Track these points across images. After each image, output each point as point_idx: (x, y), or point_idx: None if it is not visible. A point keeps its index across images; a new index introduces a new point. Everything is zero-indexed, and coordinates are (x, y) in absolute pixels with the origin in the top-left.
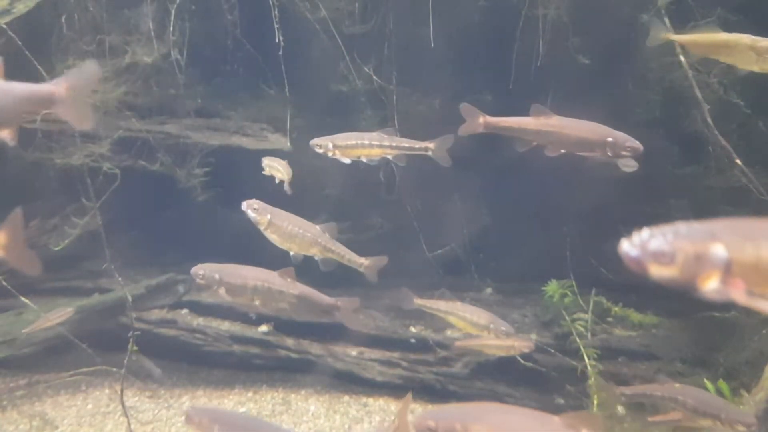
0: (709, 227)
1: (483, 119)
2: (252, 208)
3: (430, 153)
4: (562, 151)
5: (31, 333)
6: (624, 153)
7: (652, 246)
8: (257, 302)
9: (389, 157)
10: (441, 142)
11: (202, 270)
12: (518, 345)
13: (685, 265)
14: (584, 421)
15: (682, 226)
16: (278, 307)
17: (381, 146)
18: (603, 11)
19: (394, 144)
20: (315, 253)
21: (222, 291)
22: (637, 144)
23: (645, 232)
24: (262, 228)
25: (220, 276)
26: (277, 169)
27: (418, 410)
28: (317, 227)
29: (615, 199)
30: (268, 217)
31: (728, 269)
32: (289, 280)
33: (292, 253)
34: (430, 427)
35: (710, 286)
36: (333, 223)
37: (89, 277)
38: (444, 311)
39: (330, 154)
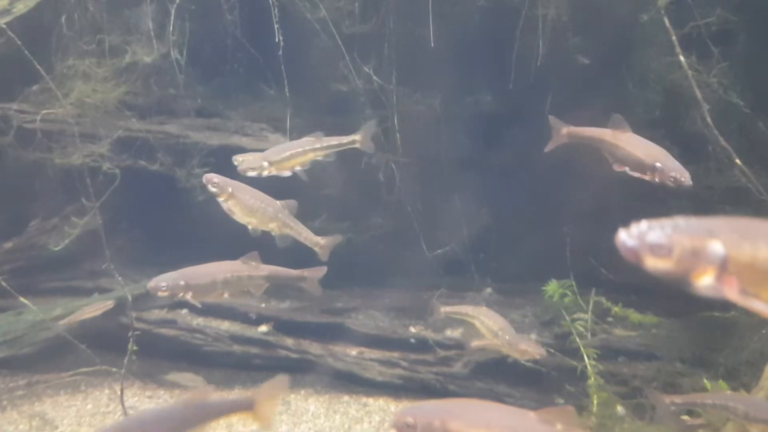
0: (708, 224)
1: (567, 129)
2: (212, 182)
3: (357, 145)
4: (626, 168)
5: (67, 325)
6: (668, 183)
7: (650, 237)
8: (226, 295)
9: (320, 158)
10: (365, 132)
11: (163, 282)
12: (530, 351)
13: (681, 259)
14: (559, 416)
15: (681, 221)
16: (248, 293)
17: (313, 150)
18: (603, 11)
19: (325, 144)
20: (273, 228)
21: (190, 295)
22: (684, 177)
23: (643, 224)
24: (222, 200)
25: (185, 281)
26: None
27: None
28: (278, 203)
29: (615, 198)
30: (230, 189)
31: (724, 267)
32: (253, 263)
33: (250, 227)
34: (409, 423)
35: (705, 282)
36: (293, 201)
37: (89, 277)
38: (471, 316)
39: (266, 173)
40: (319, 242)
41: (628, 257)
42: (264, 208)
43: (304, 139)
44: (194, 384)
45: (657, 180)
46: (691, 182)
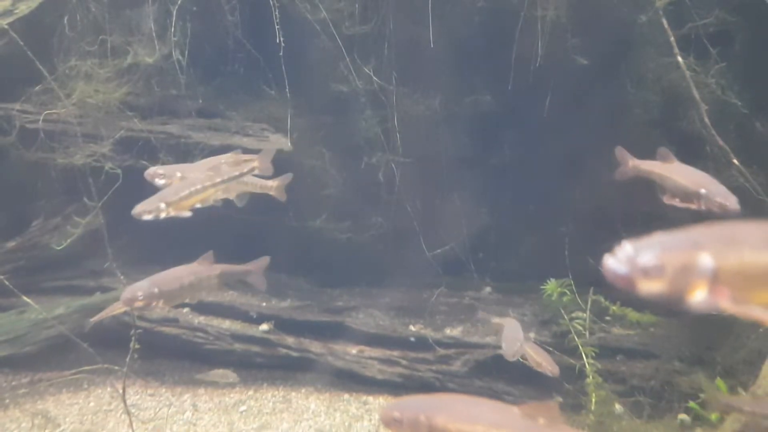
0: (692, 236)
1: (632, 162)
2: (158, 175)
3: (256, 171)
4: (677, 200)
5: (98, 321)
6: (715, 209)
7: (641, 261)
8: (187, 299)
9: (220, 192)
10: (263, 156)
11: (139, 291)
12: (544, 365)
13: (674, 278)
14: (542, 410)
15: (664, 237)
16: (204, 292)
17: (213, 185)
18: (601, 12)
19: (225, 178)
20: (233, 192)
21: (162, 303)
22: (730, 202)
23: (628, 247)
24: None
25: (159, 288)
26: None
27: None
28: (224, 166)
29: (613, 198)
30: (179, 175)
31: (715, 278)
32: (207, 263)
33: (212, 201)
34: (396, 418)
35: (698, 297)
36: (230, 155)
37: (91, 276)
38: (500, 325)
39: (164, 215)
40: (272, 186)
41: (620, 284)
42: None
43: (203, 175)
44: (228, 381)
45: (704, 207)
46: (738, 207)
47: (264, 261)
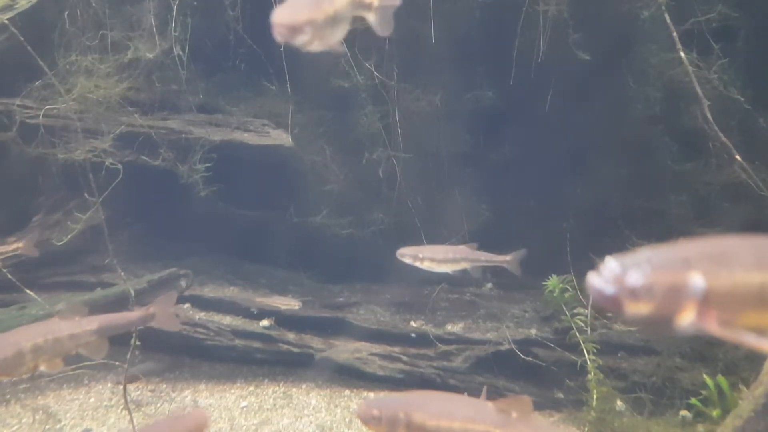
0: (681, 253)
1: None
2: None
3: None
4: None
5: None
6: None
7: (629, 280)
8: (43, 367)
9: None
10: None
11: None
12: None
13: (663, 299)
14: (515, 405)
15: (651, 254)
16: (76, 352)
17: None
18: (603, 7)
19: None
20: None
21: None
22: None
23: (614, 264)
24: None
25: None
26: None
27: None
28: None
29: (615, 194)
30: None
31: (705, 299)
32: (77, 318)
33: None
34: (375, 416)
35: (686, 319)
36: None
37: (92, 271)
38: None
39: None
40: None
41: (606, 305)
42: None
43: None
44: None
45: None
46: None
47: (171, 298)
